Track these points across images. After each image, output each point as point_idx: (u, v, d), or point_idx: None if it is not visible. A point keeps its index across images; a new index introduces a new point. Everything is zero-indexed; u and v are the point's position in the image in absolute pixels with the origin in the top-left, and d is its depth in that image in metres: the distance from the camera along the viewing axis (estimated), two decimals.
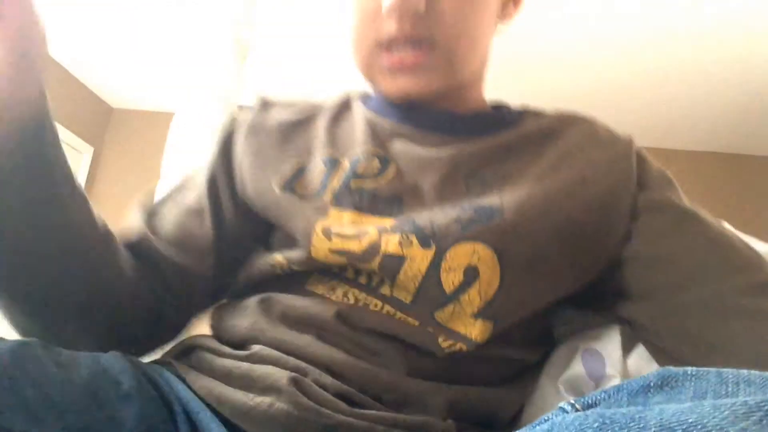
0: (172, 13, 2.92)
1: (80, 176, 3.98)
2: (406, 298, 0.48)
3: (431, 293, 0.47)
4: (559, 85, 3.12)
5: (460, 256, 0.47)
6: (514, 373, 0.53)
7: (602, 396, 0.24)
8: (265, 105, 0.64)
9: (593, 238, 0.51)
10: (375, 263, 0.48)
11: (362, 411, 0.41)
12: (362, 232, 0.49)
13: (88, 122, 4.02)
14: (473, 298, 0.47)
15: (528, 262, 0.48)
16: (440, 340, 0.47)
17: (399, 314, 0.48)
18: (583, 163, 0.53)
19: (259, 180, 0.57)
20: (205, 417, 0.42)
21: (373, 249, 0.48)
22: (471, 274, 0.47)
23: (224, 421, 0.42)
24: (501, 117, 0.60)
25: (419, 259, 0.47)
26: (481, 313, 0.47)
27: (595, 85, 3.10)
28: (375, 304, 0.49)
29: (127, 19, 3.05)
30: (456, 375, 0.48)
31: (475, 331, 0.47)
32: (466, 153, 0.54)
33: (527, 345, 0.54)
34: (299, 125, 0.61)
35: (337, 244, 0.49)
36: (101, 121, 4.16)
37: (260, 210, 0.56)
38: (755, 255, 0.49)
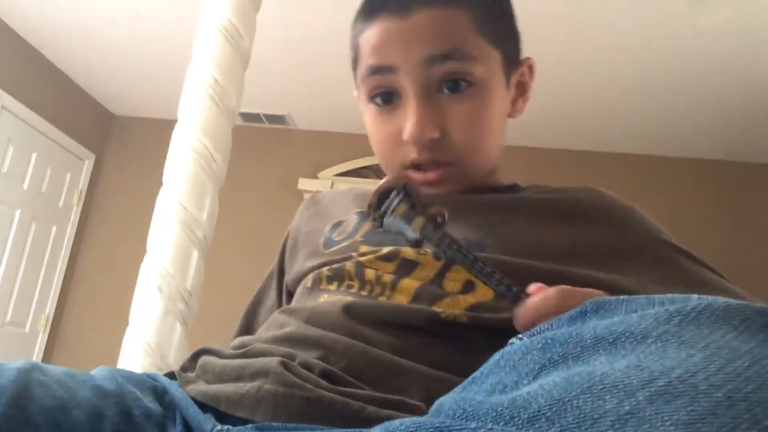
0: (173, 19, 2.94)
1: (81, 183, 3.99)
2: (404, 300, 0.53)
3: (430, 291, 0.53)
4: (560, 91, 3.12)
5: (463, 272, 0.53)
6: None
7: (545, 326, 0.27)
8: (316, 193, 0.79)
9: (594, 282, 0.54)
10: (394, 264, 0.56)
11: (342, 388, 0.43)
12: (385, 245, 0.59)
13: (90, 129, 4.04)
14: (469, 298, 0.52)
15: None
16: (435, 308, 0.51)
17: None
18: (585, 216, 0.60)
19: (312, 242, 0.68)
20: (193, 411, 0.44)
21: (393, 254, 0.57)
22: (468, 286, 0.53)
23: (220, 416, 0.44)
24: (510, 188, 0.69)
25: (429, 267, 0.55)
26: (471, 308, 0.51)
27: (596, 90, 3.11)
28: (375, 305, 0.54)
29: (128, 25, 3.07)
30: (442, 363, 0.48)
31: (465, 318, 0.51)
32: (477, 200, 0.63)
33: None
34: (341, 195, 0.74)
35: (365, 249, 0.59)
36: (103, 128, 4.17)
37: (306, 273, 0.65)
38: (739, 296, 0.54)
